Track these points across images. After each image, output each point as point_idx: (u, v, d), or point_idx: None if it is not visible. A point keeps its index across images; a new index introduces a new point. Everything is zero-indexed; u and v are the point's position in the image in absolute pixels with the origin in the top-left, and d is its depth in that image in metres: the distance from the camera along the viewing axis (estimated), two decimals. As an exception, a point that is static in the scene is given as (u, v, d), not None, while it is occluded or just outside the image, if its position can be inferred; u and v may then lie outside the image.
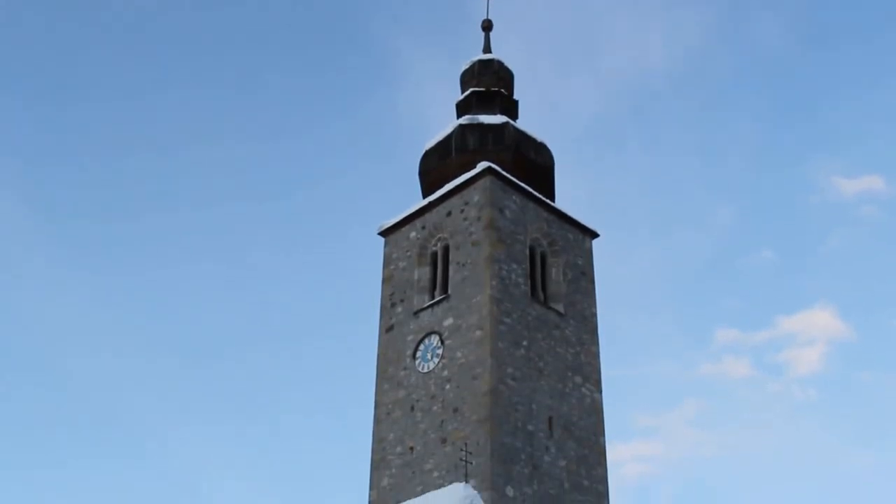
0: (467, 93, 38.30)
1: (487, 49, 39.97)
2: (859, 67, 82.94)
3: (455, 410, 30.27)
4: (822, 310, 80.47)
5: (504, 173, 33.58)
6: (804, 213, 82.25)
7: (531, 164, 35.75)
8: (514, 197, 33.75)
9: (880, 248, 79.24)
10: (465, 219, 33.28)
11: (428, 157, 36.78)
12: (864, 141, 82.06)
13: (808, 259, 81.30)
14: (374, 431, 32.62)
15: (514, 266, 32.53)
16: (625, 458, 70.41)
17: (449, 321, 31.99)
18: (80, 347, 74.01)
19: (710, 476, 74.56)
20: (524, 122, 37.63)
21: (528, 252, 33.39)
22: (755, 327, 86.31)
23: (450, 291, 32.56)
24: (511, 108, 38.04)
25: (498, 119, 36.41)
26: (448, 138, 36.23)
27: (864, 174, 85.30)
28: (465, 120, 36.52)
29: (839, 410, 77.60)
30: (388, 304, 34.47)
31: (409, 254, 34.74)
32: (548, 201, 34.96)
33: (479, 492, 24.32)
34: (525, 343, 31.48)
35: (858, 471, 73.37)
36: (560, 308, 33.41)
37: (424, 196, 35.72)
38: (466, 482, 21.32)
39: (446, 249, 33.75)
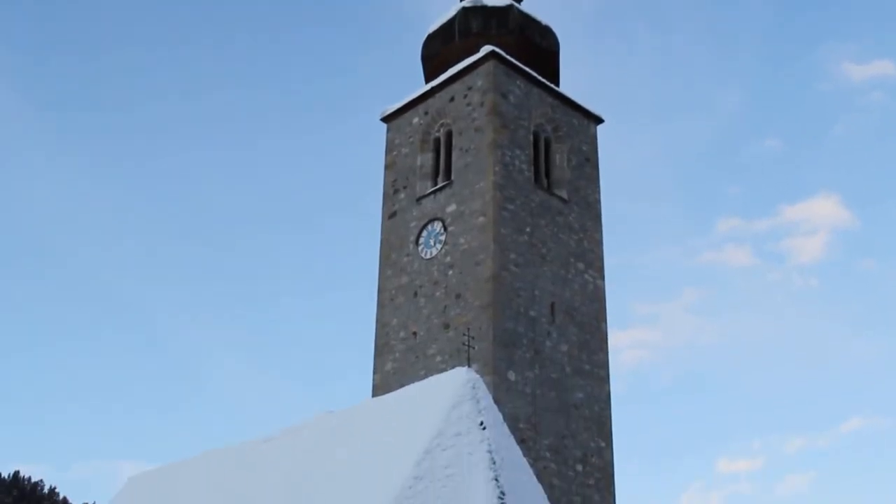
0: (471, -26, 37.41)
1: (492, -71, 38.89)
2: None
3: (458, 296, 30.43)
4: (825, 198, 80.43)
5: (508, 57, 33.06)
6: (812, 101, 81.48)
7: (536, 48, 35.16)
8: (518, 82, 33.29)
9: (887, 135, 78.68)
10: (468, 104, 32.91)
11: (430, 41, 36.17)
12: (877, 25, 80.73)
13: (814, 147, 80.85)
14: (377, 317, 32.86)
15: (518, 152, 32.28)
16: (624, 345, 71.21)
17: (452, 207, 31.91)
18: (82, 235, 74.37)
19: (709, 363, 75.55)
20: (529, 5, 36.88)
21: (531, 138, 33.10)
22: (757, 215, 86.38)
23: (453, 178, 32.40)
24: (516, -10, 37.21)
25: (502, 1, 35.67)
26: (451, 22, 35.57)
27: (875, 59, 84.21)
28: (468, 2, 35.78)
29: (840, 298, 78.15)
30: (391, 191, 34.36)
31: (411, 140, 34.46)
32: (552, 86, 34.51)
33: (482, 376, 24.48)
34: (528, 229, 31.45)
35: (858, 357, 74.24)
36: (563, 194, 33.28)
37: (427, 81, 35.26)
38: (469, 366, 21.43)
39: (449, 135, 33.47)
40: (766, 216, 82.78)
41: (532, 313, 30.39)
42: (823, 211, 79.01)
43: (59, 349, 73.85)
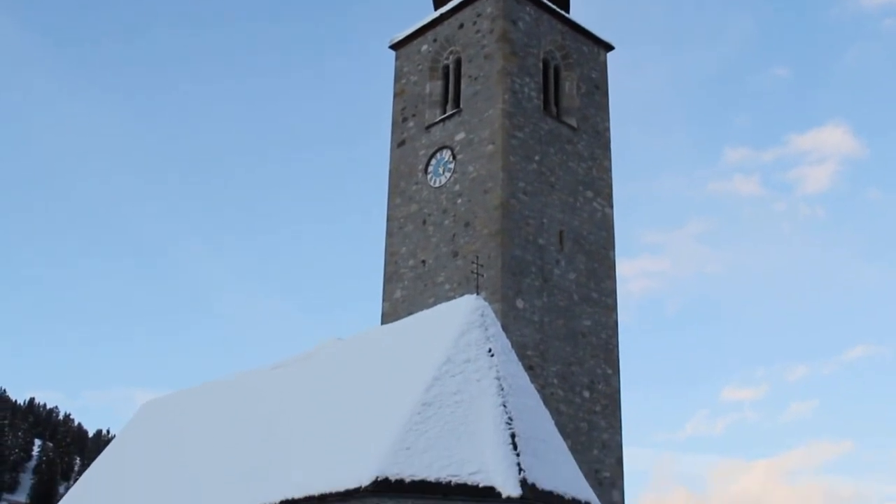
0: None
1: None
2: None
3: (467, 224, 30.51)
4: (835, 127, 79.95)
5: (517, -17, 32.69)
6: (822, 28, 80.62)
7: (546, -26, 34.72)
8: (527, 8, 32.96)
9: (900, 62, 77.71)
10: (477, 31, 32.64)
11: (440, -34, 35.73)
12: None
13: (824, 76, 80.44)
14: (386, 245, 32.99)
15: (527, 79, 32.09)
16: (631, 274, 71.40)
17: (461, 135, 31.84)
18: (90, 164, 74.42)
19: (715, 293, 75.96)
20: (539, -70, 36.31)
21: (541, 65, 32.86)
22: (765, 145, 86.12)
23: (462, 105, 32.27)
24: (525, -85, 36.61)
25: (512, -74, 35.13)
26: (460, -53, 35.07)
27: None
28: (477, -73, 35.23)
29: (846, 227, 78.27)
30: (400, 119, 34.27)
31: (420, 68, 34.27)
32: (562, 13, 34.14)
33: (490, 303, 24.67)
34: (537, 157, 31.40)
35: (863, 287, 74.37)
36: (573, 122, 33.16)
37: (436, 8, 34.92)
38: (477, 294, 21.56)
39: (458, 63, 33.27)
40: (774, 146, 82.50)
41: (540, 241, 30.48)
42: (832, 140, 78.79)
43: (70, 278, 74.44)
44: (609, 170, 33.74)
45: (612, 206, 33.30)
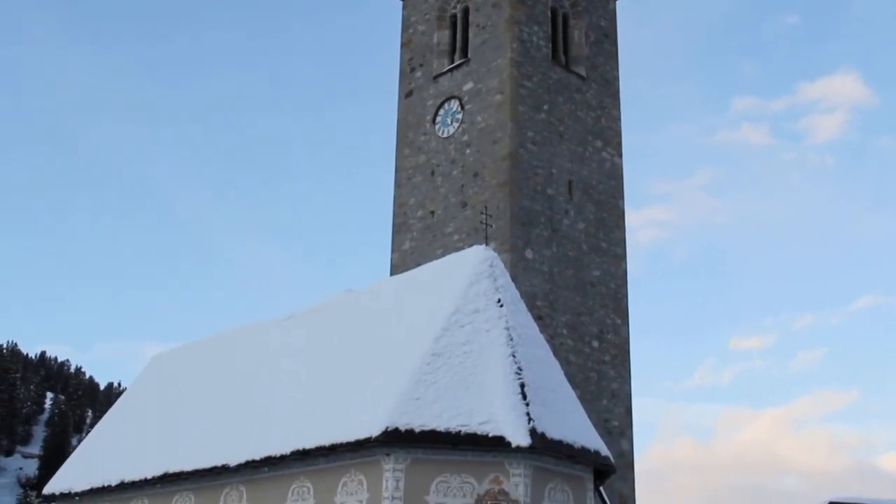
0: None
1: None
2: None
3: (475, 175, 30.38)
4: (845, 75, 79.23)
5: (525, -70, 32.26)
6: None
7: (554, -79, 34.25)
8: (535, -45, 32.54)
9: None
10: (484, -21, 32.25)
11: (446, -87, 35.25)
12: None
13: (834, 23, 79.47)
14: (395, 196, 32.91)
15: (536, 28, 31.78)
16: (640, 224, 71.24)
17: (469, 85, 31.61)
18: (95, 116, 74.26)
19: (723, 242, 75.78)
20: None
21: (549, 14, 32.54)
22: (775, 94, 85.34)
23: (469, 55, 32.00)
24: None
25: None
26: None
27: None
28: None
29: (856, 176, 77.83)
30: (408, 69, 34.02)
31: (427, 17, 33.95)
32: (570, -40, 33.75)
33: (499, 254, 24.59)
34: (546, 107, 31.18)
35: (872, 236, 74.14)
36: (582, 71, 32.88)
37: (443, -45, 34.51)
38: (486, 245, 21.49)
39: (466, 12, 32.94)
40: (783, 94, 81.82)
41: (549, 191, 30.36)
42: (842, 88, 78.20)
43: (80, 231, 74.62)
44: (618, 119, 33.53)
45: (620, 156, 33.12)
